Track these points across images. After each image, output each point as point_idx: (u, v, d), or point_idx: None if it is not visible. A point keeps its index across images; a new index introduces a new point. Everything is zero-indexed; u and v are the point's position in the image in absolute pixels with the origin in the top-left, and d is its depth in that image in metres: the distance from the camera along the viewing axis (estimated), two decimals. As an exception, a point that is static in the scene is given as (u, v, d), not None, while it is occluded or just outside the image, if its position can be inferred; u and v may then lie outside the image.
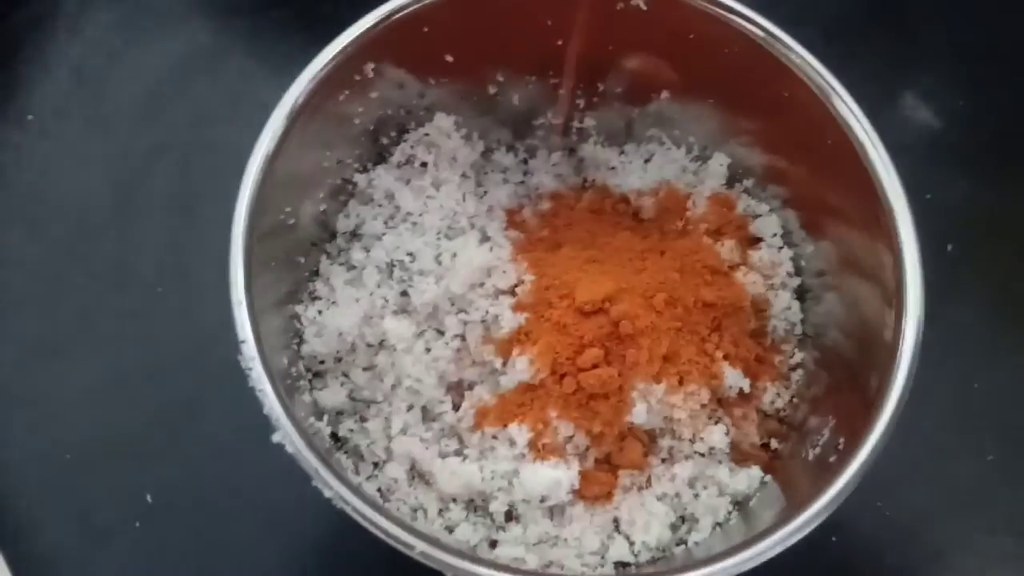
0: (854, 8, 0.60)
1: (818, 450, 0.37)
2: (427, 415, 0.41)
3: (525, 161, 0.48)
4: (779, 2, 0.57)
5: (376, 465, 0.40)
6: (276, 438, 0.32)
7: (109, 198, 0.53)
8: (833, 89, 0.37)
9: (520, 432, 0.38)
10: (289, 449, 0.32)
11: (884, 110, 0.57)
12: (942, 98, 0.57)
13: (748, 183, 0.46)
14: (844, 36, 0.57)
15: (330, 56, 0.36)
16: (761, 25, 0.38)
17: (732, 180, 0.46)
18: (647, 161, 0.47)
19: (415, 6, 0.37)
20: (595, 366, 0.38)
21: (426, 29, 0.39)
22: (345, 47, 0.36)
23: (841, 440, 0.35)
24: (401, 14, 0.37)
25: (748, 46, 0.39)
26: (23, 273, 0.51)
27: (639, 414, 0.39)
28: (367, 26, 0.36)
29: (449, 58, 0.41)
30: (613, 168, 0.47)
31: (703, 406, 0.41)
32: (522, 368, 0.39)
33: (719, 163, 0.46)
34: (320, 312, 0.40)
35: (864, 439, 0.33)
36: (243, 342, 0.32)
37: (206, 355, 0.47)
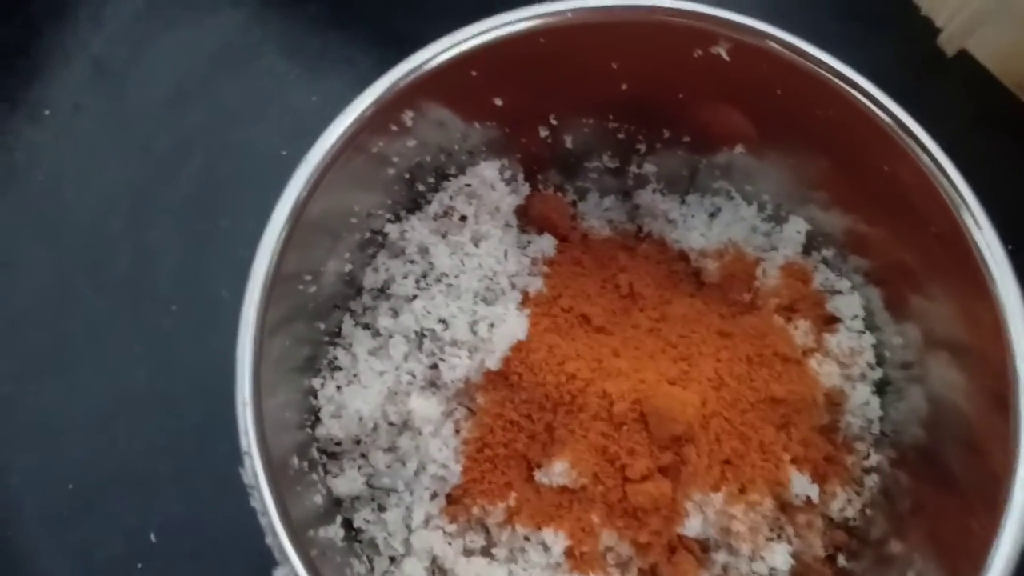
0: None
1: (903, 596, 0.32)
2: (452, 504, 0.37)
3: (574, 204, 0.43)
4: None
5: (393, 560, 0.36)
6: (280, 574, 0.28)
7: (125, 203, 0.50)
8: (958, 191, 0.31)
9: (556, 539, 0.34)
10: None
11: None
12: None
13: (827, 253, 0.41)
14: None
15: (362, 107, 0.31)
16: (869, 93, 0.32)
17: (809, 247, 0.41)
18: (712, 216, 0.42)
19: (462, 48, 0.32)
20: (645, 478, 0.34)
21: (474, 73, 0.33)
22: (380, 96, 0.31)
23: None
24: (445, 57, 0.32)
25: (847, 111, 0.33)
26: (30, 281, 0.49)
27: (692, 527, 0.35)
28: (404, 72, 0.31)
29: (498, 102, 0.36)
30: (672, 221, 0.42)
31: (764, 516, 0.36)
32: (560, 472, 0.34)
33: (796, 229, 0.40)
34: (339, 388, 0.36)
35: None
36: (246, 454, 0.28)
37: (220, 381, 0.44)
